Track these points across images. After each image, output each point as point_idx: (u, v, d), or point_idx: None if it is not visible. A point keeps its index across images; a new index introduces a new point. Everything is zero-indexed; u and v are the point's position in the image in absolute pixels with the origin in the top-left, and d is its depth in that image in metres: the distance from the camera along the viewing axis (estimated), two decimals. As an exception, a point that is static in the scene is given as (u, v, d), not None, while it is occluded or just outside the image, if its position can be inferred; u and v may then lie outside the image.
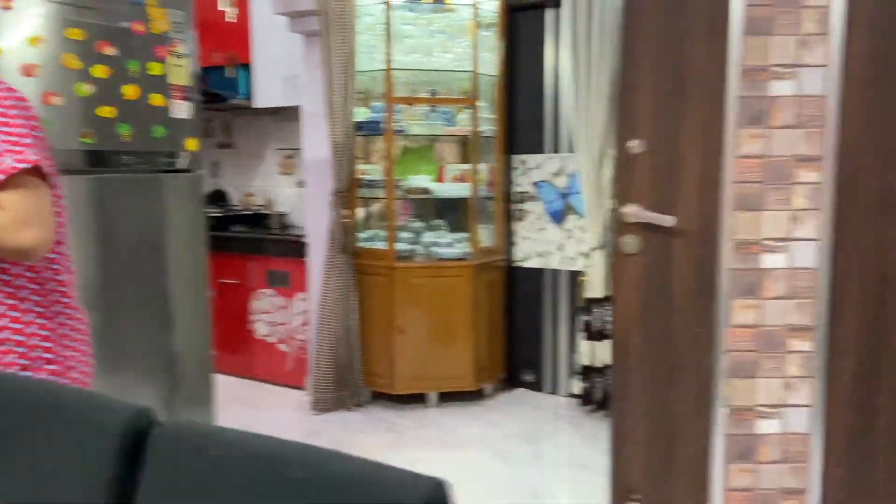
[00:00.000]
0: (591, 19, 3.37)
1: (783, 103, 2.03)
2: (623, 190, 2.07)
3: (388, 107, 3.64)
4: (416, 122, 3.80)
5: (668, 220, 2.04)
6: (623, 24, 2.03)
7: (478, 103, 3.70)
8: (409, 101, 3.78)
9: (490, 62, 3.80)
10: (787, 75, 2.01)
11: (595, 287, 3.50)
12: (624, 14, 2.03)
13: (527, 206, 3.96)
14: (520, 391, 3.97)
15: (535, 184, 3.92)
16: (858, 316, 2.05)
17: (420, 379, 3.67)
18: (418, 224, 3.92)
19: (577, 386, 3.69)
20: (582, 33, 3.40)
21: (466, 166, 3.82)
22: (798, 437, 2.07)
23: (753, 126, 2.05)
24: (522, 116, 3.92)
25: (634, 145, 2.05)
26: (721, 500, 2.06)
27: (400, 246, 3.72)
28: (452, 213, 3.98)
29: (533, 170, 3.92)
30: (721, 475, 2.08)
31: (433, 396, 3.72)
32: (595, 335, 3.52)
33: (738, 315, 2.09)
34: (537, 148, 3.89)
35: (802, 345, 2.08)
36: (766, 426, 2.06)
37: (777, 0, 1.95)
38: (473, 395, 3.78)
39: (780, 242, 2.07)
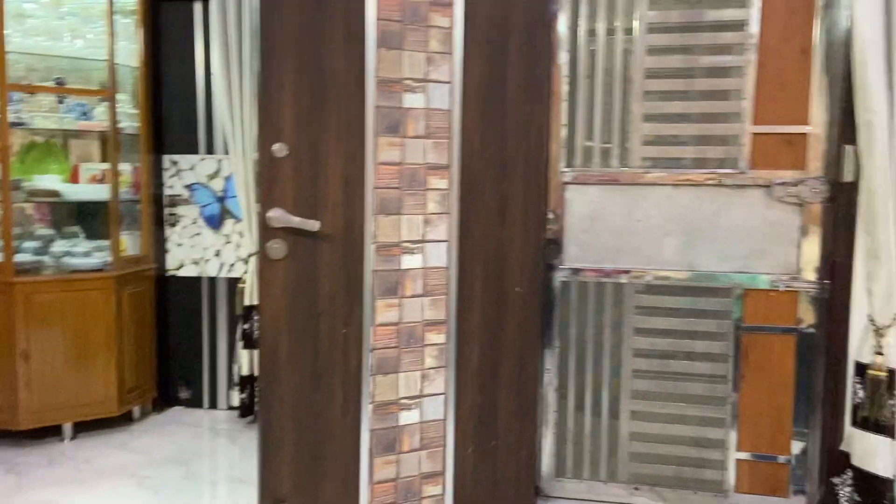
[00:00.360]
0: (241, 16, 3.28)
1: (416, 114, 2.18)
2: (267, 194, 2.02)
3: None
4: (42, 114, 3.30)
5: (313, 225, 2.05)
6: (262, 26, 1.98)
7: (117, 96, 3.35)
8: (30, 89, 3.27)
9: (131, 52, 3.47)
10: (418, 88, 2.16)
11: (253, 294, 3.41)
12: (262, 17, 1.98)
13: (180, 210, 3.70)
14: (176, 410, 3.69)
15: (189, 186, 3.68)
16: (482, 308, 2.29)
17: (52, 409, 3.19)
18: (47, 231, 3.40)
19: (237, 398, 3.55)
20: (232, 30, 3.28)
21: (105, 165, 3.43)
22: (434, 424, 2.23)
23: (391, 135, 2.16)
24: (173, 114, 3.65)
25: (277, 149, 2.01)
26: (367, 494, 2.14)
27: (21, 257, 3.19)
28: (90, 218, 3.53)
29: (186, 171, 3.67)
30: (367, 470, 2.15)
31: (68, 428, 3.26)
32: (254, 343, 3.42)
33: (382, 314, 2.19)
34: (191, 148, 3.66)
35: (437, 337, 2.26)
36: (407, 417, 2.19)
37: (406, 17, 2.08)
38: (119, 421, 3.40)
39: (416, 244, 2.22)
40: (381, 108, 2.12)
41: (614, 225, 2.54)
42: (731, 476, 2.49)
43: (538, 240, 2.39)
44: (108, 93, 3.32)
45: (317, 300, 2.11)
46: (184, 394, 3.75)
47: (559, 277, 2.57)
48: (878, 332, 2.18)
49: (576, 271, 2.57)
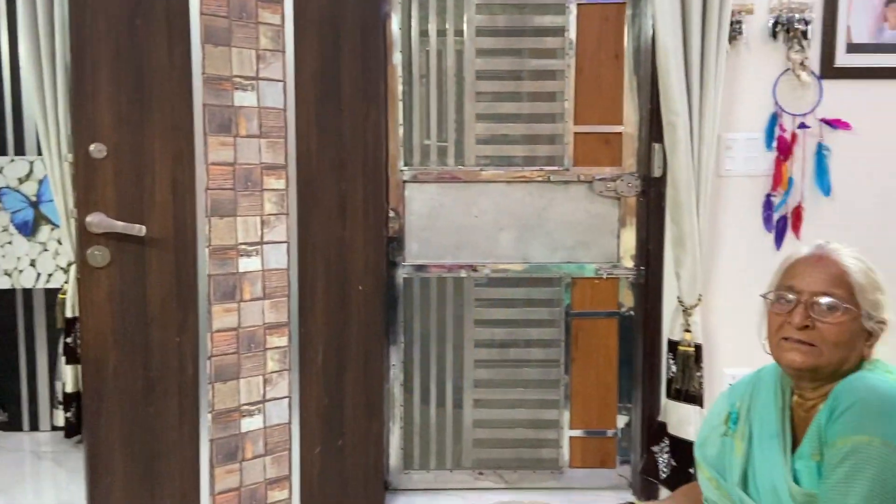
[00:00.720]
0: (51, 4, 3.02)
1: (248, 113, 2.13)
2: (85, 198, 1.89)
3: None
4: None
5: (138, 229, 1.95)
6: (72, 17, 1.85)
7: None
8: None
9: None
10: (249, 87, 2.11)
11: (76, 305, 3.16)
12: (71, 7, 1.85)
13: (-14, 216, 3.34)
14: (-10, 436, 3.34)
15: (-4, 190, 3.34)
16: (325, 308, 2.29)
17: None
18: None
19: (62, 417, 3.28)
20: (42, 19, 3.01)
21: None
22: (279, 428, 2.20)
23: (223, 134, 2.10)
24: (-27, 111, 3.29)
25: (95, 149, 1.89)
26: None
27: None
28: None
29: (-8, 174, 3.33)
30: (208, 481, 2.08)
31: None
32: (78, 358, 3.17)
33: (220, 319, 2.12)
34: (-4, 149, 3.32)
35: (279, 341, 2.22)
36: (249, 424, 2.14)
37: (232, 13, 2.03)
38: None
39: (254, 246, 2.18)
40: (210, 107, 2.05)
41: (453, 221, 2.62)
42: (565, 453, 2.66)
43: (380, 238, 2.42)
44: None
45: (146, 308, 2.01)
46: (0, 417, 3.41)
47: (402, 274, 2.62)
48: (686, 311, 2.41)
49: (418, 267, 2.62)
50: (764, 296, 1.24)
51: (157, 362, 2.02)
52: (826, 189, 2.43)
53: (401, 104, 2.56)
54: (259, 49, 2.12)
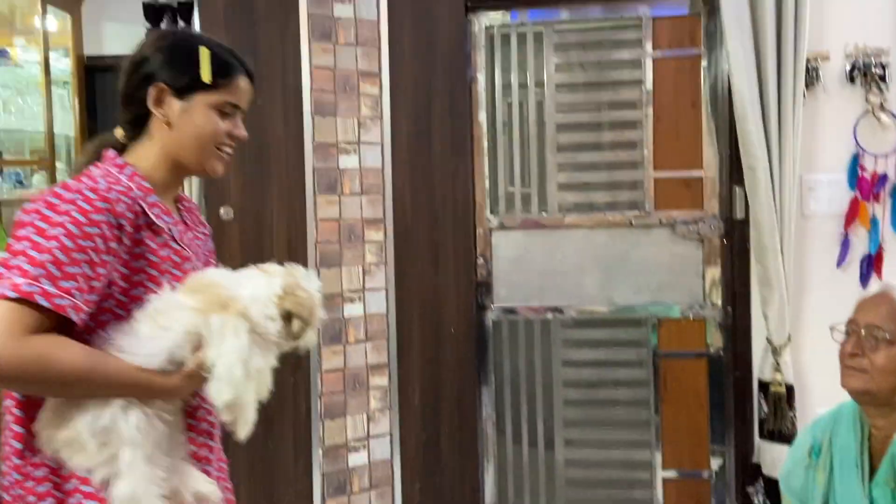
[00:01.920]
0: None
1: (351, 174, 2.36)
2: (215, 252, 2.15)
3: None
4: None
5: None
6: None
7: (57, 164, 3.40)
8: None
9: (67, 122, 3.53)
10: (352, 150, 2.35)
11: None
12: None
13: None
14: None
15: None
16: (421, 350, 2.45)
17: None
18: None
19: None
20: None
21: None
22: (382, 464, 2.36)
23: (329, 193, 2.33)
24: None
25: (224, 212, 2.15)
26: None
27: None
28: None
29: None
30: (321, 511, 2.25)
31: None
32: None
33: (328, 360, 2.32)
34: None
35: (381, 380, 2.40)
36: (356, 459, 2.31)
37: (339, 87, 2.28)
38: None
39: (356, 293, 2.38)
40: (319, 169, 2.29)
41: (538, 265, 2.75)
42: (658, 493, 2.69)
43: (469, 282, 2.58)
44: (47, 163, 3.37)
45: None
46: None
47: (491, 317, 2.76)
48: (776, 351, 2.43)
49: (506, 310, 2.76)
50: (831, 329, 1.33)
51: (274, 399, 2.23)
52: (905, 229, 2.43)
53: (486, 157, 2.74)
54: (360, 116, 2.36)
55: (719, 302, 2.66)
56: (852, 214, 2.45)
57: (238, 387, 1.01)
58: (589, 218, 2.71)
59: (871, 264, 2.46)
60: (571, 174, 2.72)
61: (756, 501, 2.47)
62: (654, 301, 2.70)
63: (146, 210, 1.02)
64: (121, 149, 1.08)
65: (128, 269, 0.99)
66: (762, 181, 2.38)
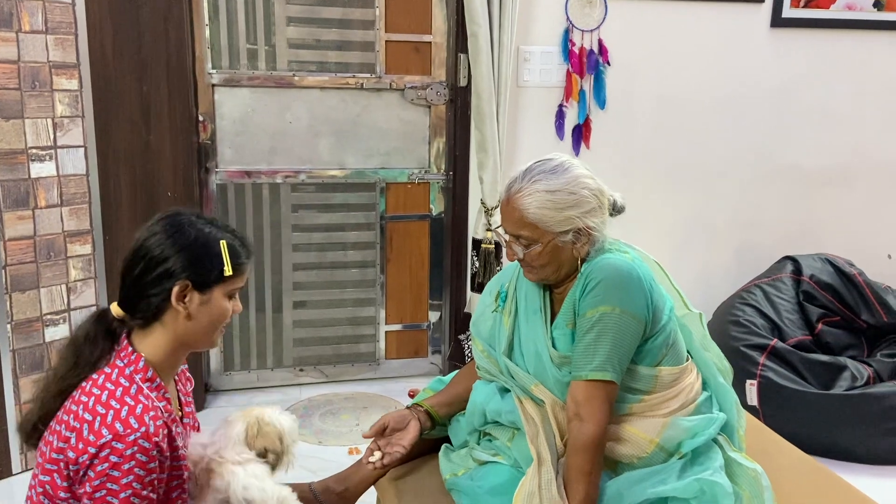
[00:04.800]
0: None
1: (30, 6, 1.98)
2: None
3: None
4: None
5: None
6: None
7: None
8: None
9: None
10: None
11: None
12: None
13: None
14: None
15: None
16: (131, 216, 2.25)
17: None
18: None
19: None
20: None
21: None
22: (88, 336, 2.18)
23: (4, 29, 1.94)
24: None
25: None
26: (14, 415, 2.04)
27: None
28: None
29: None
30: (12, 391, 2.04)
31: None
32: None
33: (12, 227, 2.03)
34: None
35: (83, 249, 2.17)
36: (54, 333, 2.10)
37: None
38: None
39: (46, 151, 2.07)
40: (-17, -3, 1.88)
41: (267, 127, 2.62)
42: (382, 346, 2.86)
43: (189, 143, 2.38)
44: None
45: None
46: None
47: (215, 181, 2.60)
48: (488, 212, 2.63)
49: (232, 174, 2.62)
50: (495, 231, 1.43)
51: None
52: (602, 102, 2.70)
53: (206, 2, 2.47)
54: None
55: (442, 167, 2.78)
56: (569, 87, 2.64)
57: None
58: (320, 78, 2.61)
59: (581, 133, 2.71)
60: (302, 29, 2.57)
61: (466, 346, 2.74)
62: (384, 165, 2.74)
63: (172, 435, 1.09)
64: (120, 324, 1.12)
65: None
66: (483, 49, 2.46)
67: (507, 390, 1.40)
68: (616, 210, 1.36)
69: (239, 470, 1.16)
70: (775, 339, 2.43)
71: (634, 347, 1.28)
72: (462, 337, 2.74)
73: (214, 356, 2.71)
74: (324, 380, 2.82)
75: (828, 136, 2.94)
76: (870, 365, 2.42)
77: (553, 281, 1.36)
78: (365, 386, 2.81)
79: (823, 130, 2.93)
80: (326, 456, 2.26)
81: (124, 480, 1.01)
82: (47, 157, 2.07)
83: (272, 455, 1.21)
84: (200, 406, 2.57)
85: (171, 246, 1.11)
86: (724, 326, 2.55)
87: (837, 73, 2.88)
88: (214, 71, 2.53)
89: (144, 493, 1.03)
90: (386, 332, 2.86)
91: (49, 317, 2.10)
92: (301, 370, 2.80)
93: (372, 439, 1.48)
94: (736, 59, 2.80)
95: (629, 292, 1.28)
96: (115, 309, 1.13)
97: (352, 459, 1.77)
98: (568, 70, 2.64)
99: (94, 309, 2.17)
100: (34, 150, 2.05)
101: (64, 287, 2.12)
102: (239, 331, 2.71)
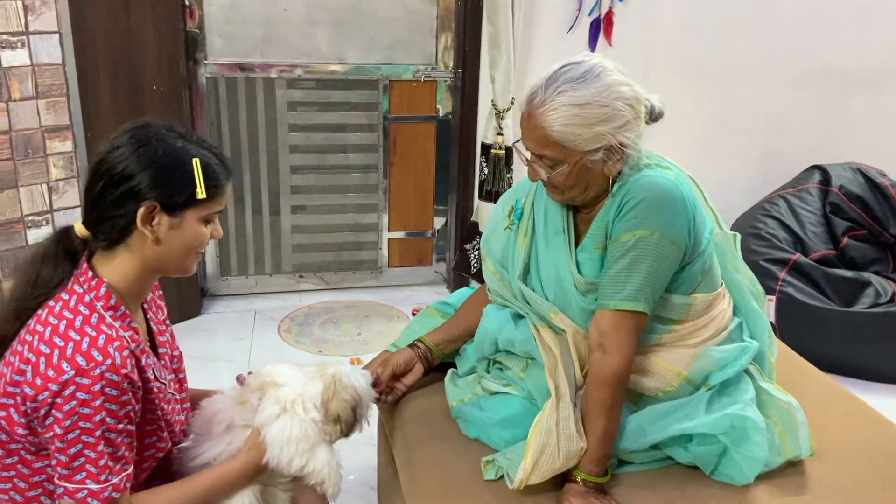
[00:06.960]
0: None
1: None
2: None
3: None
4: None
5: None
6: None
7: None
8: None
9: None
10: None
11: None
12: None
13: None
14: None
15: None
16: (114, 111, 2.08)
17: None
18: None
19: None
20: None
21: None
22: (73, 240, 2.06)
23: None
24: None
25: None
26: None
27: None
28: None
29: None
30: (-4, 297, 1.95)
31: None
32: None
33: (-15, 122, 1.87)
34: None
35: (63, 146, 2.01)
36: (36, 235, 1.99)
37: None
38: None
39: (17, 37, 1.88)
40: None
41: (259, 13, 2.41)
42: (384, 254, 2.76)
43: (175, 31, 2.18)
44: None
45: None
46: None
47: (205, 74, 2.41)
48: (499, 115, 2.45)
49: (222, 66, 2.42)
50: (516, 150, 1.23)
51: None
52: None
53: None
54: None
55: (450, 64, 2.58)
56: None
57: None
58: (317, -40, 2.37)
59: (599, 27, 2.49)
60: None
61: (472, 256, 2.63)
62: (387, 61, 2.54)
63: (142, 366, 1.00)
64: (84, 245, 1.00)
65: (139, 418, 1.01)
66: (499, -69, 2.21)
67: (522, 317, 1.27)
68: (653, 118, 1.19)
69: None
70: (798, 254, 2.32)
71: (670, 276, 1.14)
72: (468, 247, 2.63)
73: (211, 260, 2.61)
74: (324, 287, 2.73)
75: (864, 36, 2.71)
76: (895, 281, 2.32)
77: (580, 203, 1.20)
78: (366, 294, 2.73)
79: (860, 29, 2.69)
80: (327, 366, 2.20)
81: (97, 418, 0.91)
82: (18, 44, 1.88)
83: (343, 425, 1.10)
84: (197, 312, 2.49)
85: (136, 162, 0.95)
86: (744, 239, 2.42)
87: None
88: (201, -51, 2.29)
89: (121, 426, 0.93)
90: (389, 239, 2.74)
91: (30, 218, 1.98)
92: (301, 277, 2.71)
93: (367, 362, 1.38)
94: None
95: (671, 216, 1.12)
96: (79, 228, 0.99)
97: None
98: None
99: (77, 211, 2.06)
100: (4, 37, 1.86)
101: (45, 186, 1.98)
102: (235, 234, 2.60)
